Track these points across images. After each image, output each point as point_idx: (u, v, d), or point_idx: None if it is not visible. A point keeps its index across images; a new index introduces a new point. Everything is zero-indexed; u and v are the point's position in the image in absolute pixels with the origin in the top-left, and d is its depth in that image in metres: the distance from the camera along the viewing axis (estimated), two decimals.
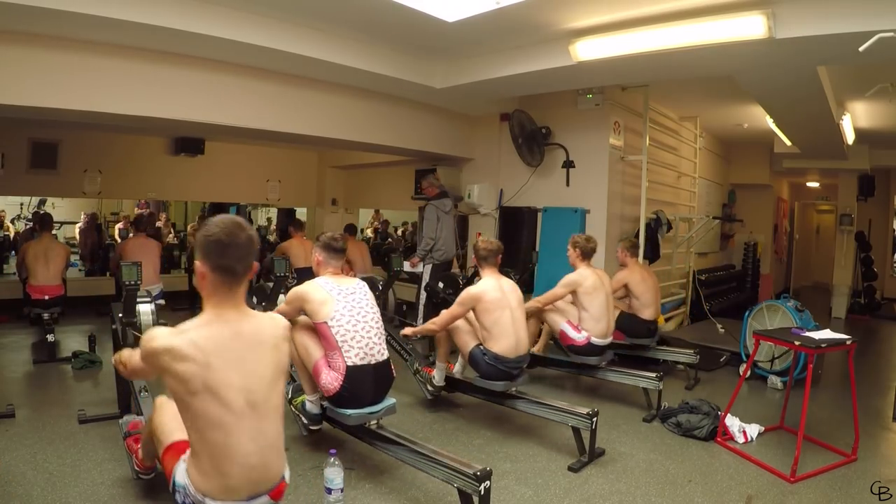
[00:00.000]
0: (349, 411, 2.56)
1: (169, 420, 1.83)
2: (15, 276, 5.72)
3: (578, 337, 3.83)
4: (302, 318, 2.74)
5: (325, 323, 2.56)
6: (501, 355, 3.13)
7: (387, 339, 4.07)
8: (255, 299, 3.81)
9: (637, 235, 5.61)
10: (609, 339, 3.92)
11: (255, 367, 1.54)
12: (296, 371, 3.25)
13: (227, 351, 1.50)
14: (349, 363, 2.55)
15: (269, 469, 1.59)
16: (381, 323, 2.75)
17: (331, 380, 2.57)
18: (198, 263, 1.53)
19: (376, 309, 2.75)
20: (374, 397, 2.63)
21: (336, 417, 2.67)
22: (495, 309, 3.14)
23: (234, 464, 1.51)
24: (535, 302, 4.00)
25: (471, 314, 3.28)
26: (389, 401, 2.70)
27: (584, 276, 3.86)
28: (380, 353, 2.66)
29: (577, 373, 4.16)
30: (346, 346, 2.56)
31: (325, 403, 2.73)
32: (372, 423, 2.65)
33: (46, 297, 4.67)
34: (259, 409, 1.54)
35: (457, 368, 3.58)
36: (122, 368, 1.80)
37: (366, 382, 2.58)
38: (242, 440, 1.51)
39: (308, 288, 2.66)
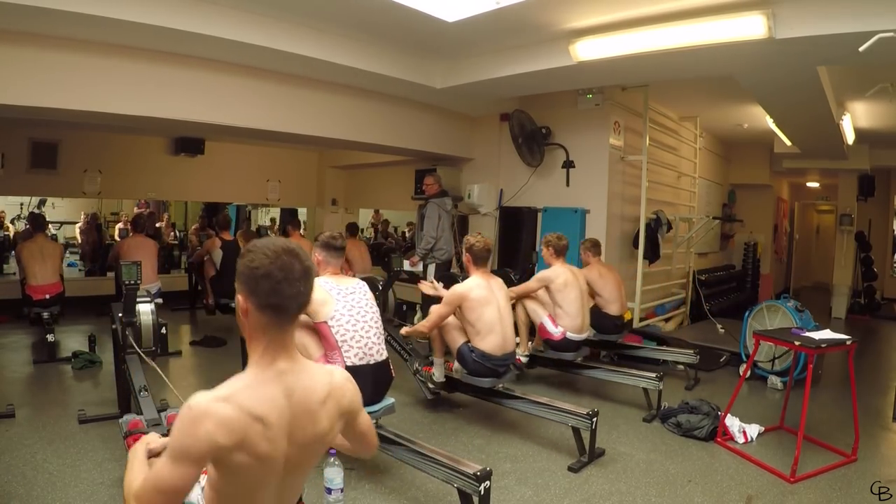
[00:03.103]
0: None
1: None
2: (15, 276, 5.75)
3: (555, 331, 3.94)
4: (302, 317, 2.71)
5: (325, 323, 2.55)
6: (488, 353, 3.17)
7: (387, 340, 4.08)
8: None
9: (637, 235, 5.61)
10: (585, 335, 4.03)
11: (303, 436, 1.29)
12: None
13: (283, 417, 1.24)
14: (348, 363, 2.53)
15: None
16: (380, 323, 2.74)
17: None
18: (240, 298, 1.27)
19: (376, 309, 2.74)
20: (373, 397, 2.61)
21: None
22: (479, 306, 3.18)
23: None
24: (510, 290, 4.03)
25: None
26: (388, 400, 2.70)
27: (557, 272, 3.96)
28: (378, 353, 2.65)
29: (577, 373, 4.16)
30: (346, 346, 2.55)
31: None
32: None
33: (47, 297, 4.69)
34: (294, 471, 1.33)
35: (456, 366, 3.58)
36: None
37: (365, 383, 2.51)
38: (267, 499, 1.30)
39: None
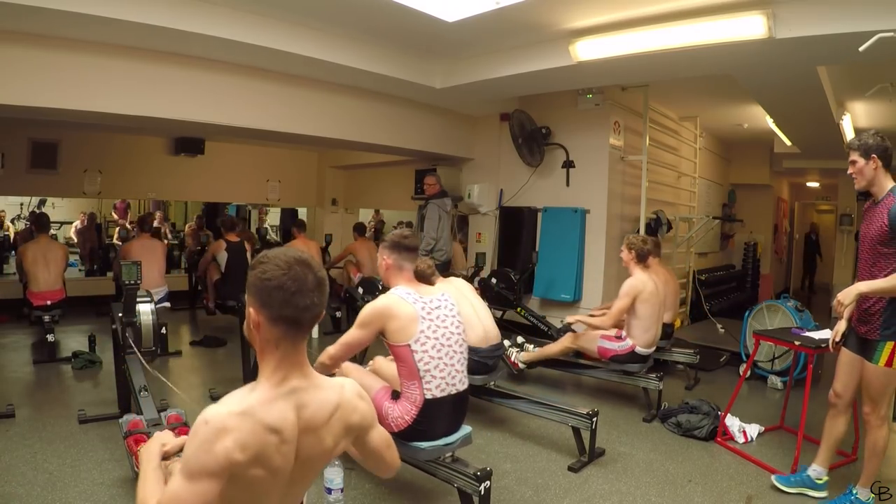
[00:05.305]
0: (423, 444, 2.25)
1: None
2: (15, 276, 5.74)
3: (619, 346, 3.65)
4: (348, 371, 2.46)
5: (408, 346, 2.17)
6: (474, 346, 3.16)
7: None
8: None
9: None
10: (652, 350, 3.70)
11: (308, 451, 1.26)
12: None
13: (293, 431, 1.22)
14: (427, 395, 2.19)
15: None
16: (465, 346, 2.40)
17: (401, 413, 2.24)
18: (251, 311, 1.23)
19: (462, 328, 2.39)
20: (450, 428, 2.32)
21: (404, 451, 2.22)
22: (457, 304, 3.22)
23: None
24: (603, 321, 3.69)
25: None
26: (465, 430, 2.39)
27: (644, 281, 3.63)
28: (461, 381, 2.32)
29: (577, 373, 4.15)
30: (428, 375, 2.19)
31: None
32: (447, 455, 2.34)
33: (48, 303, 4.60)
34: (296, 484, 1.31)
35: None
36: None
37: (442, 414, 2.26)
38: None
39: (390, 302, 2.22)
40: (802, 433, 2.83)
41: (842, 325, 2.54)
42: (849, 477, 2.82)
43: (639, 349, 3.64)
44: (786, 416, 3.47)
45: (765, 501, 2.61)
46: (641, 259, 3.71)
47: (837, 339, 2.56)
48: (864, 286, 2.31)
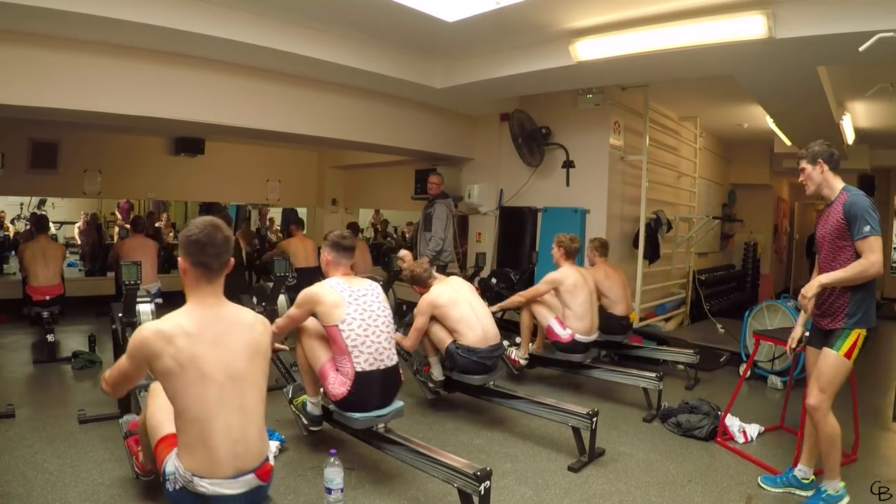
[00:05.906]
0: (356, 415, 2.55)
1: (160, 412, 1.93)
2: (15, 276, 5.79)
3: (563, 334, 3.93)
4: (310, 319, 2.73)
5: (336, 326, 2.53)
6: (473, 346, 3.27)
7: None
8: (255, 299, 3.80)
9: (637, 235, 5.62)
10: (593, 337, 4.02)
11: (234, 343, 1.70)
12: (298, 371, 3.26)
13: (207, 329, 1.67)
14: (358, 368, 2.52)
15: (250, 444, 1.70)
16: (392, 327, 2.72)
17: (338, 384, 2.55)
18: (180, 260, 1.73)
19: (388, 312, 2.71)
20: (382, 402, 2.61)
21: (343, 421, 2.65)
22: (449, 307, 3.32)
23: (217, 436, 1.62)
24: (518, 296, 4.12)
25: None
26: (397, 404, 2.68)
27: (566, 274, 3.94)
28: (389, 358, 2.62)
29: (577, 373, 4.16)
30: (356, 351, 2.52)
31: (331, 406, 2.66)
32: (380, 426, 2.62)
33: (47, 298, 4.74)
34: (238, 382, 1.68)
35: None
36: (106, 386, 1.84)
37: (373, 388, 2.56)
38: (224, 412, 1.64)
39: (320, 290, 2.61)
40: (802, 433, 2.83)
41: (797, 332, 2.68)
42: (849, 477, 2.82)
43: (578, 337, 3.91)
44: (786, 416, 3.47)
45: (765, 501, 2.61)
46: (569, 255, 4.02)
47: (794, 346, 2.68)
48: (824, 277, 2.41)
